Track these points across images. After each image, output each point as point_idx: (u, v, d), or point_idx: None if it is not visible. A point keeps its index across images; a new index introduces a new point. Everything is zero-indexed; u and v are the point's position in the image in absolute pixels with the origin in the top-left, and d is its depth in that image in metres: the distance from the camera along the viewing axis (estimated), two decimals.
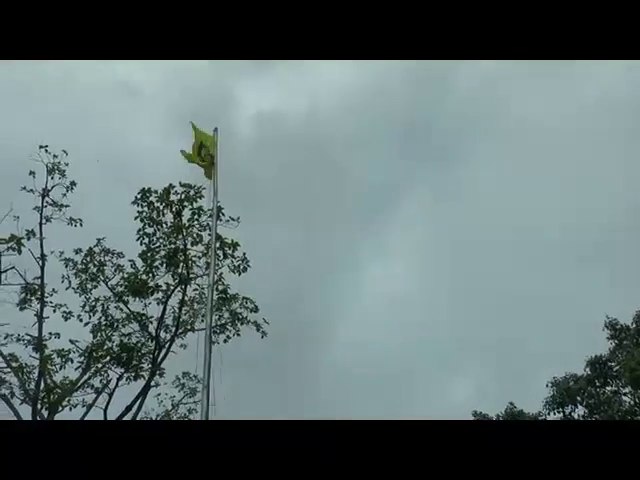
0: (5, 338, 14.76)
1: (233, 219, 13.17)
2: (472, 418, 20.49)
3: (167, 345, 14.75)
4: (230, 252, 13.87)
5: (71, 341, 15.13)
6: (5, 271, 12.96)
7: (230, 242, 13.76)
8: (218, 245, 13.25)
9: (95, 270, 15.01)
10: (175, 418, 17.02)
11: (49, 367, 15.06)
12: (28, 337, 15.16)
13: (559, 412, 19.69)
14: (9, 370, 15.09)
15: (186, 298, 14.75)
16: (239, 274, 14.18)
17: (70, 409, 15.49)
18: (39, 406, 14.92)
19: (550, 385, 19.88)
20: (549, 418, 19.78)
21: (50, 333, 15.03)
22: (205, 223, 13.71)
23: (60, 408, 15.40)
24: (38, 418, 14.87)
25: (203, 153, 9.19)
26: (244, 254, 14.07)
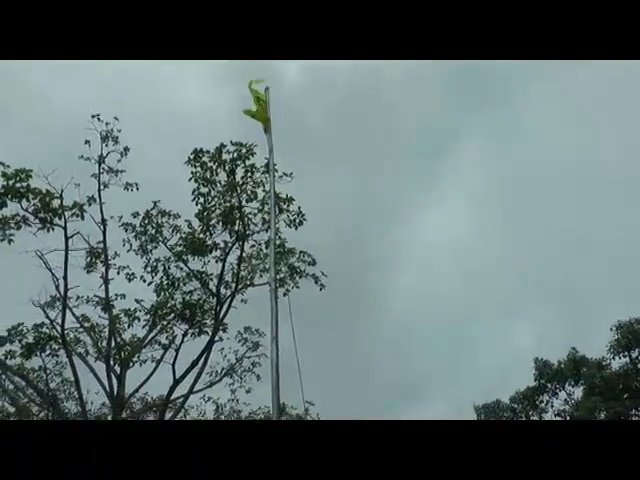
0: (76, 300, 15.49)
1: (286, 174, 13.14)
2: (533, 365, 20.36)
3: (228, 301, 15.09)
4: (285, 207, 13.90)
5: (136, 300, 15.76)
6: (71, 237, 13.41)
7: (285, 197, 13.78)
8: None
9: (154, 232, 15.37)
10: (240, 372, 17.56)
11: (118, 326, 15.76)
12: (96, 298, 15.86)
13: (624, 356, 19.24)
14: (82, 330, 15.87)
15: (244, 254, 14.97)
16: (295, 228, 14.25)
17: (140, 365, 16.23)
18: (112, 363, 15.69)
19: (615, 328, 19.33)
20: (614, 362, 19.39)
21: (116, 294, 15.67)
22: (259, 180, 13.74)
23: (131, 364, 16.16)
24: (112, 374, 15.66)
25: (259, 110, 9.15)
26: (299, 208, 14.10)
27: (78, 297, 15.59)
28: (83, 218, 13.35)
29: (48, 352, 15.25)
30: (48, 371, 16.20)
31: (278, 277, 14.58)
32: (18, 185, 11.89)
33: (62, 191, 12.69)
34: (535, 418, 20.42)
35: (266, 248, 15.04)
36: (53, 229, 12.93)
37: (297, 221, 14.16)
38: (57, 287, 14.35)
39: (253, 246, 15.25)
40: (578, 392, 19.80)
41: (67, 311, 14.56)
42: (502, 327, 45.22)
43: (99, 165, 14.43)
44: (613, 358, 19.35)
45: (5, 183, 11.79)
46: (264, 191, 13.77)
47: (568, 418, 19.07)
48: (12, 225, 12.40)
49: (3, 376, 15.97)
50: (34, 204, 12.38)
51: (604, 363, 19.55)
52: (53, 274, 13.99)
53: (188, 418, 18.20)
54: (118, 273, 15.42)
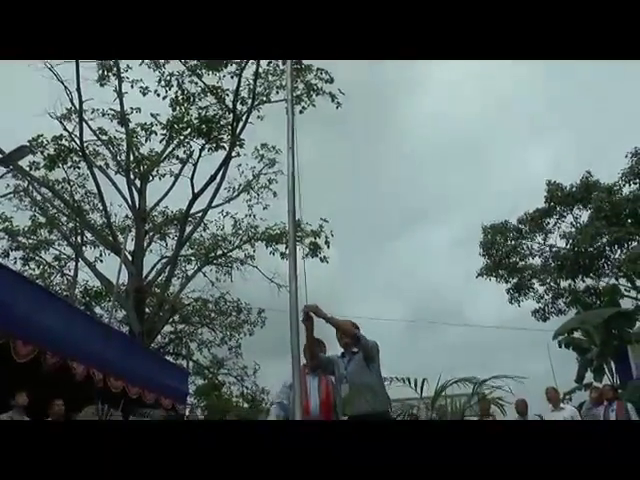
0: (92, 113, 15.45)
1: None
2: (546, 188, 20.50)
3: (244, 117, 14.96)
4: None
5: (152, 115, 15.67)
6: None
7: None
8: None
9: None
10: (256, 188, 17.97)
11: (135, 140, 15.88)
12: (112, 112, 15.79)
13: (635, 183, 19.30)
14: (101, 143, 16.06)
15: (260, 70, 14.51)
16: None
17: (159, 179, 16.71)
18: (132, 176, 16.11)
19: (630, 155, 19.13)
20: (625, 189, 19.46)
21: (131, 108, 15.56)
22: None
23: (150, 178, 16.61)
24: (133, 188, 16.15)
25: None
26: None
27: (93, 110, 15.54)
28: None
29: (70, 164, 15.65)
30: (72, 183, 16.74)
31: (295, 94, 14.29)
32: None
33: None
34: (540, 239, 21.20)
35: (282, 64, 14.51)
36: None
37: None
38: (71, 100, 14.24)
39: (270, 62, 14.72)
40: (585, 216, 20.24)
41: (84, 124, 14.61)
42: (521, 153, 45.12)
43: None
44: (624, 185, 19.43)
45: None
46: None
47: (572, 241, 19.71)
48: None
49: (30, 187, 16.56)
50: None
51: (615, 188, 19.64)
52: (66, 87, 13.82)
53: (207, 232, 19.00)
54: (132, 87, 15.13)
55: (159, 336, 19.00)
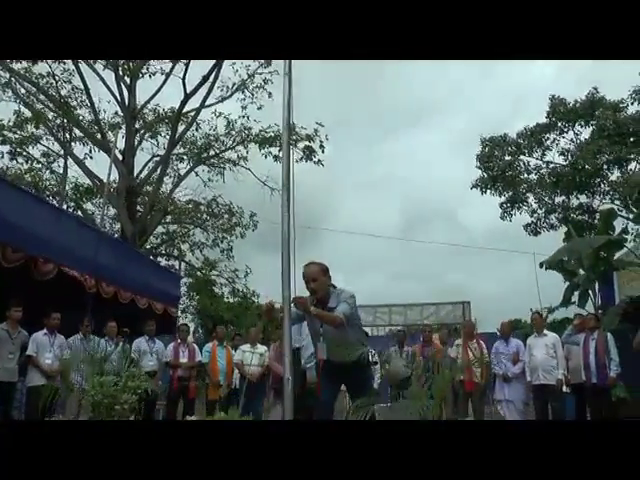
0: None
1: None
2: (549, 103, 19.75)
3: None
4: None
5: None
6: None
7: None
8: None
9: None
10: (251, 88, 17.26)
11: None
12: None
13: None
14: None
15: None
16: None
17: (150, 77, 15.97)
18: (121, 72, 15.40)
19: None
20: (632, 107, 18.75)
21: None
22: None
23: (140, 75, 15.88)
24: (122, 84, 15.47)
25: None
26: None
27: None
28: None
29: None
30: (57, 78, 15.96)
31: None
32: None
33: None
34: (538, 154, 20.78)
35: None
36: None
37: None
38: None
39: None
40: (586, 134, 19.67)
41: None
42: (526, 64, 43.57)
43: None
44: (632, 103, 18.70)
45: None
46: None
47: (570, 158, 19.33)
48: None
49: (13, 80, 15.78)
50: None
51: (622, 106, 18.96)
52: None
53: (199, 132, 18.47)
54: None
55: (151, 237, 19.04)
